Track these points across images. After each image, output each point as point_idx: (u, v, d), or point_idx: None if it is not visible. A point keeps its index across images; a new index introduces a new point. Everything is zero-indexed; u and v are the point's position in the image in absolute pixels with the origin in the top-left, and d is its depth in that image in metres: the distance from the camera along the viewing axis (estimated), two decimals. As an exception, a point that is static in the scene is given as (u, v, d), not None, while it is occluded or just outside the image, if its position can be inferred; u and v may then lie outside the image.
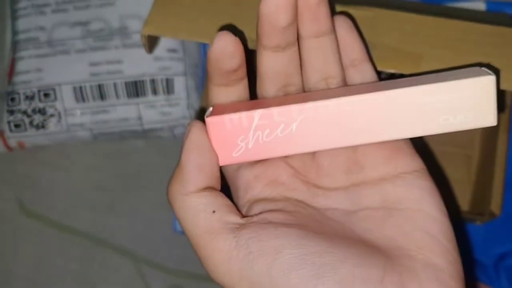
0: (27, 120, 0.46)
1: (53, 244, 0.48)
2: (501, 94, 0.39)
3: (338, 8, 0.32)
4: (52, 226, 0.48)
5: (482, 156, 0.41)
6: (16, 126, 0.46)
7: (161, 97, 0.45)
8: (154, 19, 0.31)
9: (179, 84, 0.45)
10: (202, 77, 0.47)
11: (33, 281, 0.48)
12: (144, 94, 0.44)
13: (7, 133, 0.46)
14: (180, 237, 0.46)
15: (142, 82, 0.44)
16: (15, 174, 0.49)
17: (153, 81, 0.44)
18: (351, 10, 0.31)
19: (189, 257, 0.46)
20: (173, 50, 0.45)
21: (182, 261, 0.47)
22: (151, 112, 0.45)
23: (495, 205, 0.37)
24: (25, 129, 0.46)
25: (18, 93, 0.45)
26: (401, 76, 0.29)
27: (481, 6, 0.42)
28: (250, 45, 0.30)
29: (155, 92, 0.44)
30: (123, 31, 0.45)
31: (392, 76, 0.33)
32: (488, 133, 0.41)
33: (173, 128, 0.46)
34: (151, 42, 0.33)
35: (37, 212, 0.49)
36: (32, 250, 0.48)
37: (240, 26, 0.31)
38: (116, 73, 0.44)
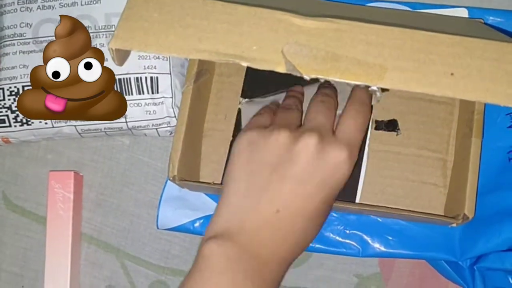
0: (11, 116, 0.46)
1: (38, 239, 0.48)
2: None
3: (301, 21, 0.31)
4: (38, 221, 0.49)
5: (457, 160, 0.42)
6: (1, 121, 0.46)
7: (146, 96, 0.45)
8: (122, 33, 0.31)
9: (164, 83, 0.45)
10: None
11: (19, 275, 0.48)
12: (129, 92, 0.45)
13: (-8, 128, 0.46)
14: (164, 234, 0.47)
15: (127, 80, 0.45)
16: (0, 169, 0.49)
17: (138, 80, 0.44)
18: (315, 22, 0.31)
19: (172, 253, 0.47)
20: (158, 49, 0.45)
21: (165, 258, 0.47)
22: (136, 110, 0.45)
23: (469, 208, 0.38)
24: (10, 125, 0.46)
25: (3, 89, 0.45)
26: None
27: (463, 13, 0.42)
28: (216, 58, 0.30)
29: (140, 90, 0.45)
30: (108, 29, 0.45)
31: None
32: (462, 138, 0.41)
33: (157, 127, 0.46)
34: (120, 55, 0.33)
35: (23, 207, 0.49)
36: (18, 245, 0.48)
37: (206, 40, 0.31)
38: (102, 71, 0.44)
